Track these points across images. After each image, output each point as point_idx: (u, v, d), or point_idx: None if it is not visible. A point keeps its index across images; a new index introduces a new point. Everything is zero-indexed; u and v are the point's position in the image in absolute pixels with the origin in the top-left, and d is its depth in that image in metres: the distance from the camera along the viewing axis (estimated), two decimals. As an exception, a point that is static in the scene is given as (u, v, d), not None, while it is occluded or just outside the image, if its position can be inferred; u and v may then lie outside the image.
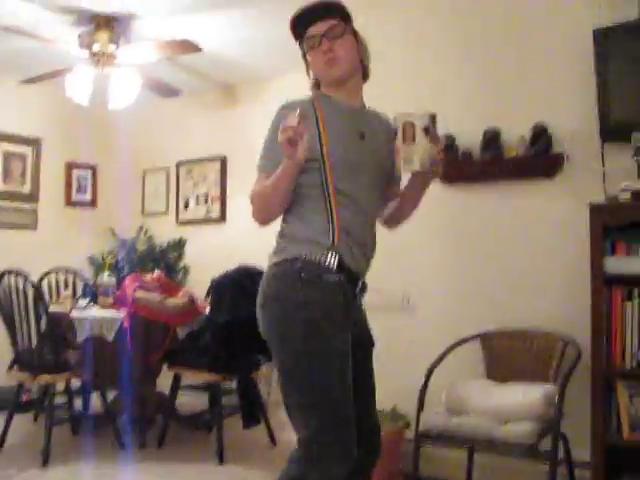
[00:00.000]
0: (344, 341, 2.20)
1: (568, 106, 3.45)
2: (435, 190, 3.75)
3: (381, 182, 2.40)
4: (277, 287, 2.23)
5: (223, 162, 6.14)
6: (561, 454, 3.07)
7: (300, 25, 2.37)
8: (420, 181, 2.36)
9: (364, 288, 2.36)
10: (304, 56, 2.41)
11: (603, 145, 3.25)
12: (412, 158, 2.20)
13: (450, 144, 3.66)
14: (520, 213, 3.59)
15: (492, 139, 3.54)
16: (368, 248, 2.35)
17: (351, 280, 2.25)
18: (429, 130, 2.20)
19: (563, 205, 3.42)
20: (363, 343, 2.39)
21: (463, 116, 3.73)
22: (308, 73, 2.44)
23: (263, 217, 2.29)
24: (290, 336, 2.18)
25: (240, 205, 5.83)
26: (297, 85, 2.62)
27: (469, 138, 3.64)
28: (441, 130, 3.50)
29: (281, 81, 5.46)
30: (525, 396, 2.96)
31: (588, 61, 3.25)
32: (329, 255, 2.18)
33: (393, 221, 2.57)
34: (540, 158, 3.44)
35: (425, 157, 2.20)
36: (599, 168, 3.25)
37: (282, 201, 2.23)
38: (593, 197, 3.07)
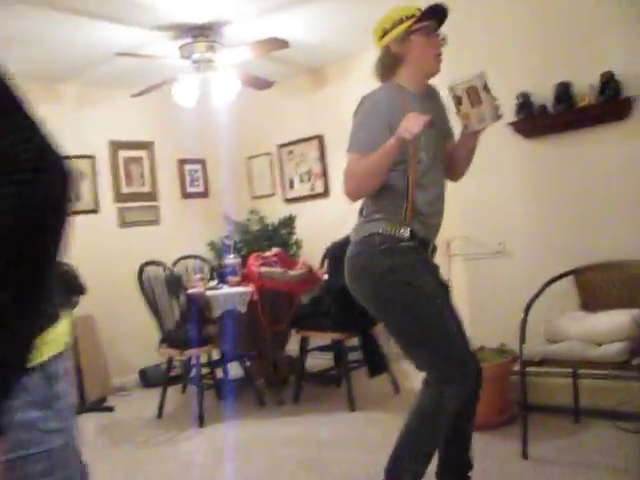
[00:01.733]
0: (433, 284, 2.64)
1: (634, 51, 3.65)
2: (516, 145, 4.10)
3: (442, 150, 2.77)
4: (362, 261, 2.66)
5: (320, 140, 6.56)
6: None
7: (436, 12, 2.63)
8: (479, 134, 2.70)
9: (434, 250, 2.78)
10: (408, 34, 2.63)
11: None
12: (484, 116, 2.59)
13: (526, 100, 3.96)
14: (594, 157, 3.84)
15: (563, 92, 3.80)
16: (437, 218, 2.74)
17: (422, 245, 2.67)
18: (487, 87, 2.57)
19: (635, 146, 3.68)
20: (445, 286, 2.83)
21: (534, 73, 4.01)
22: (394, 48, 2.65)
23: (358, 193, 2.63)
24: (388, 298, 2.63)
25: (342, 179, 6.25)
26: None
27: (542, 94, 3.92)
28: (515, 89, 3.84)
29: (364, 58, 5.81)
30: (614, 319, 3.29)
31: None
32: (402, 228, 2.59)
33: (455, 174, 2.91)
34: (610, 104, 3.68)
35: (493, 110, 2.58)
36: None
37: (380, 179, 2.55)
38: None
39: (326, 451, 3.88)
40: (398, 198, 2.61)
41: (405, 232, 2.60)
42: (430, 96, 2.80)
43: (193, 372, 5.12)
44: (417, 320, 2.61)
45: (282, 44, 4.84)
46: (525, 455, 3.42)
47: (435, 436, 2.67)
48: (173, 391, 5.52)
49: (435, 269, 2.80)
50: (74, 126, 5.77)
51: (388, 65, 2.72)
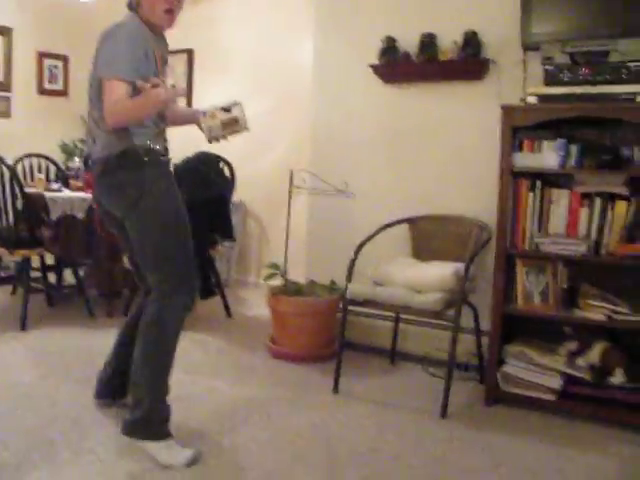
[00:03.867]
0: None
1: (498, 15, 3.73)
2: (374, 87, 4.14)
3: None
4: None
5: (190, 54, 6.40)
6: (471, 324, 3.61)
7: None
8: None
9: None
10: None
11: (525, 53, 3.60)
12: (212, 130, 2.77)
13: (391, 45, 3.98)
14: (449, 111, 3.94)
15: (428, 43, 3.85)
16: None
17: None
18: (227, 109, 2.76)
19: (487, 106, 3.76)
20: None
21: (403, 20, 4.03)
22: None
23: (121, 126, 2.63)
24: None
25: (209, 97, 6.14)
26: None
27: (408, 41, 3.94)
28: (381, 32, 3.83)
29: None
30: (438, 271, 3.43)
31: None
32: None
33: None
34: (470, 61, 3.77)
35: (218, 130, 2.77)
36: (520, 74, 3.62)
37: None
38: (513, 101, 3.44)
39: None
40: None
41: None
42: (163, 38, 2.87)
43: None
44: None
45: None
46: (336, 390, 3.54)
47: (170, 350, 2.77)
48: (2, 292, 5.36)
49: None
50: None
51: (129, 3, 2.74)
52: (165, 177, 2.73)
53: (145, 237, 2.69)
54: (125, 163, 2.62)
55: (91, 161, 2.75)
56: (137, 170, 2.63)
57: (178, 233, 2.71)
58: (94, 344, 4.17)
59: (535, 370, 3.27)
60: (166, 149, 2.82)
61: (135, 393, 2.74)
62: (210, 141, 2.77)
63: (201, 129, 2.77)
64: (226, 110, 2.71)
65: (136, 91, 2.53)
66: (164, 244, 2.69)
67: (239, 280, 6.30)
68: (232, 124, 2.72)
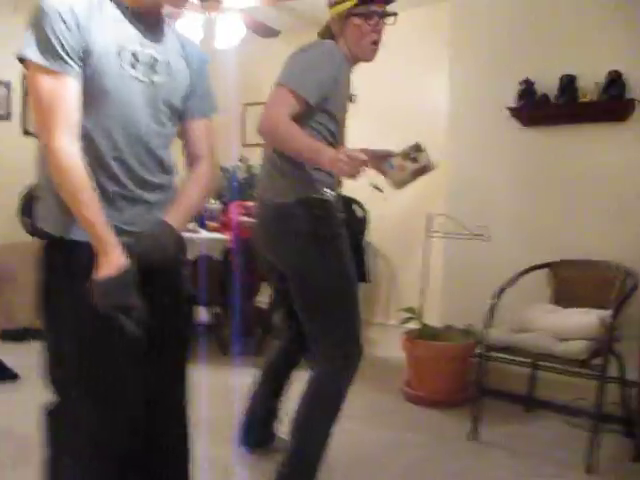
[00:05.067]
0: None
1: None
2: (512, 131, 4.09)
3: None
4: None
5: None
6: (615, 373, 3.46)
7: None
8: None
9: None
10: (349, 14, 2.53)
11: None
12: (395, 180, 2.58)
13: (529, 88, 3.94)
14: (591, 154, 3.85)
15: (568, 84, 3.79)
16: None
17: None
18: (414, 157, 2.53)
19: (633, 148, 3.67)
20: None
21: (541, 62, 3.98)
22: (334, 25, 2.58)
23: (270, 141, 2.51)
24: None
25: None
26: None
27: (547, 83, 3.90)
28: (519, 75, 3.77)
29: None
30: (582, 318, 3.33)
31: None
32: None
33: None
34: (613, 102, 3.68)
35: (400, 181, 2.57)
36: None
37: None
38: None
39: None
40: None
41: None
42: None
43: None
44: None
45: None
46: (472, 436, 3.47)
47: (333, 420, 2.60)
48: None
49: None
50: None
51: (328, 37, 2.63)
52: (337, 230, 2.59)
53: (313, 298, 2.56)
54: (302, 213, 2.50)
55: (260, 203, 2.68)
56: (312, 221, 2.50)
57: (349, 294, 2.57)
58: (228, 382, 4.27)
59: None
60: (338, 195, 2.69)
61: (292, 454, 2.59)
62: (397, 188, 2.57)
63: (384, 175, 2.60)
64: (413, 159, 2.51)
65: (305, 112, 2.42)
66: (334, 306, 2.54)
67: (365, 320, 6.28)
68: (421, 171, 2.53)
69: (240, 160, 6.66)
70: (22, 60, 1.71)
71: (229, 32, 5.14)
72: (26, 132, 5.96)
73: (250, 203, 5.25)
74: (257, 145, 6.73)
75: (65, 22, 1.66)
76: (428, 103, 5.67)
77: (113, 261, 1.68)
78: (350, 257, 2.59)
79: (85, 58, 1.70)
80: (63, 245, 1.75)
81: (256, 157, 6.70)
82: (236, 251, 4.81)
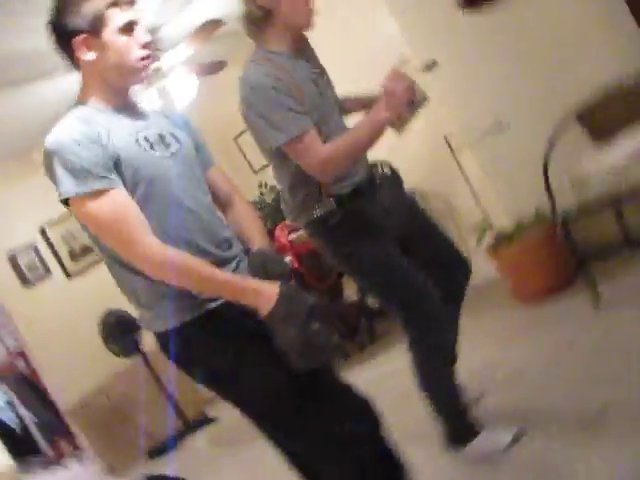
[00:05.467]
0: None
1: None
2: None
3: (336, 104, 2.71)
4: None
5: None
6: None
7: None
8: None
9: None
10: None
11: None
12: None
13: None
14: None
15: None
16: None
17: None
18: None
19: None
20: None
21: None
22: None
23: (337, 174, 2.43)
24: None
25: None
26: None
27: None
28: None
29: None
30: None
31: None
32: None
33: None
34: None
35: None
36: None
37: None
38: None
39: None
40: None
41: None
42: (304, 51, 2.57)
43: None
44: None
45: (219, 25, 4.77)
46: (596, 305, 3.35)
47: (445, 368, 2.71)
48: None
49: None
50: None
51: (257, 20, 2.44)
52: (364, 223, 2.60)
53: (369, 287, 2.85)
54: (319, 230, 2.61)
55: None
56: (331, 243, 2.63)
57: (396, 273, 2.60)
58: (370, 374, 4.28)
59: None
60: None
61: (437, 415, 2.72)
62: (401, 132, 2.47)
63: None
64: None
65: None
66: (387, 289, 2.66)
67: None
68: (418, 105, 2.39)
69: (259, 186, 6.70)
70: (65, 202, 1.75)
71: (183, 89, 5.22)
72: (68, 275, 6.23)
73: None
74: (266, 166, 6.87)
75: (79, 144, 1.71)
76: (380, 37, 5.59)
77: (267, 292, 1.74)
78: (388, 239, 2.62)
79: (118, 166, 1.76)
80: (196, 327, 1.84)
81: (271, 176, 6.72)
82: (302, 267, 4.89)
